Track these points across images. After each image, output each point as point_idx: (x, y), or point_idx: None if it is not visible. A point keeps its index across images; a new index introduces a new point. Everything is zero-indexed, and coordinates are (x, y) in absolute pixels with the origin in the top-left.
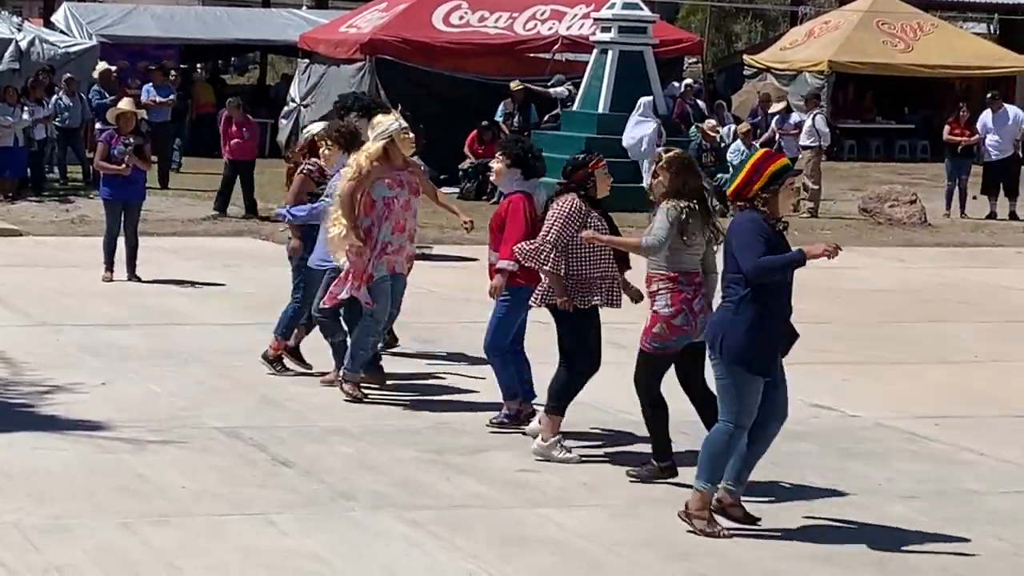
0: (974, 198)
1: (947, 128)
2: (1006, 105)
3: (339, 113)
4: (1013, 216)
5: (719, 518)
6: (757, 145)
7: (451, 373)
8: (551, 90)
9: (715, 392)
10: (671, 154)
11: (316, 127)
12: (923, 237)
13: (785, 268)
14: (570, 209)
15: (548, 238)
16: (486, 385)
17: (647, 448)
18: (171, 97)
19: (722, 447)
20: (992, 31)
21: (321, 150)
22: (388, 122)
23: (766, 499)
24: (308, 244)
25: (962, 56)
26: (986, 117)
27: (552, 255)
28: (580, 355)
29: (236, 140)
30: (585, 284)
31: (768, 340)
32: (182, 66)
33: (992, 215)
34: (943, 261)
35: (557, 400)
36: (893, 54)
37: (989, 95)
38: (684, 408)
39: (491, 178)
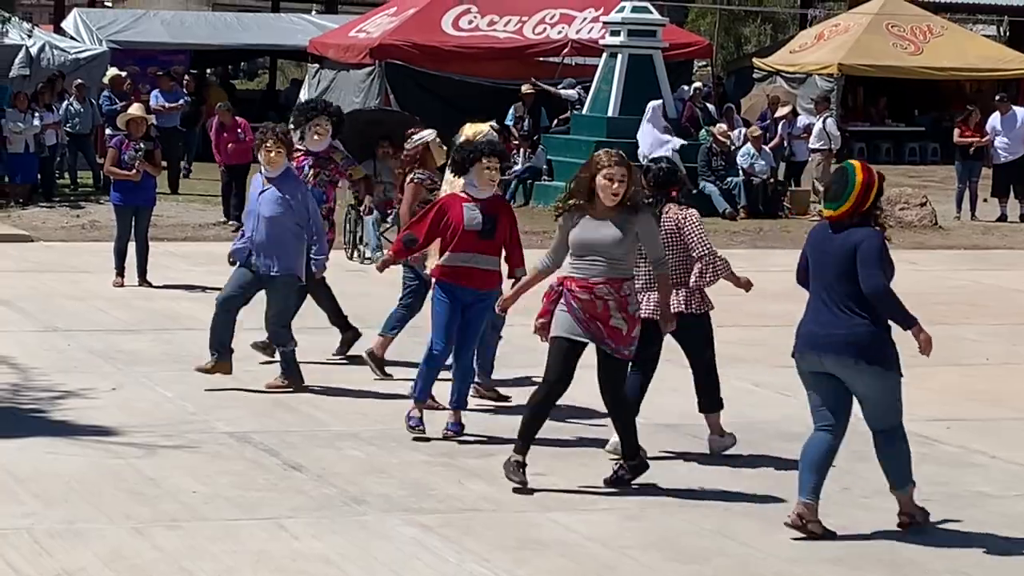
0: (984, 201)
1: (957, 131)
2: (1014, 107)
3: (307, 116)
4: (1023, 218)
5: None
6: (767, 149)
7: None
8: (562, 91)
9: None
10: (623, 156)
11: (428, 134)
12: (934, 240)
13: (899, 314)
14: (701, 221)
15: (714, 251)
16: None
17: (654, 451)
18: (180, 102)
19: (908, 449)
20: (1002, 33)
21: (269, 153)
22: (485, 131)
23: (776, 501)
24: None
25: (972, 58)
26: (995, 120)
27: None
28: (712, 351)
29: (232, 144)
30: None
31: None
32: (192, 71)
33: (1003, 217)
34: (954, 264)
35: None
36: (903, 57)
37: (997, 97)
38: (689, 411)
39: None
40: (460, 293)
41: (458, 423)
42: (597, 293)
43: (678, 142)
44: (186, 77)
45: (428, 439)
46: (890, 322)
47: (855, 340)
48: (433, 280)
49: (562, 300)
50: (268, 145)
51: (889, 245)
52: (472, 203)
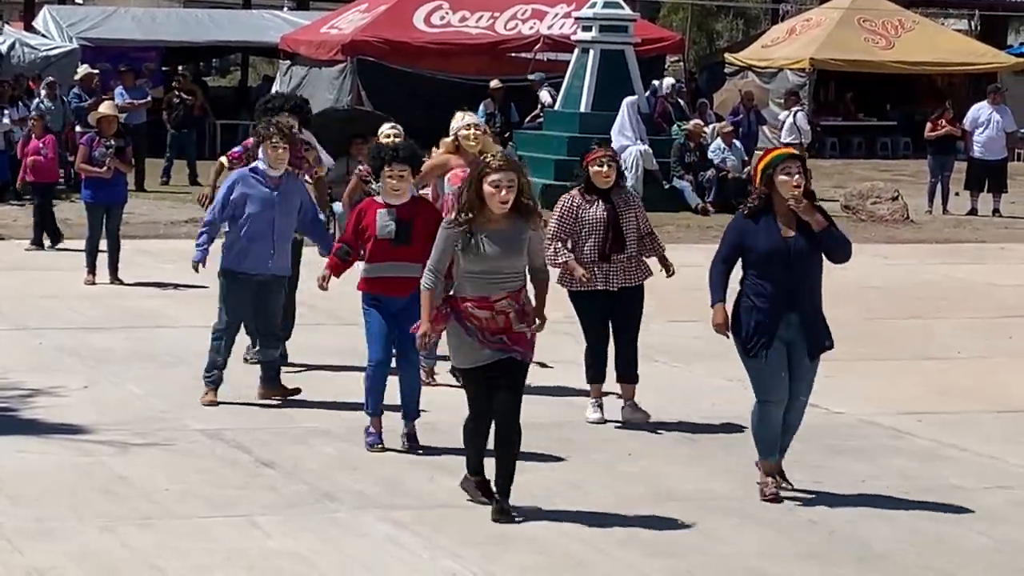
0: (956, 194)
1: (929, 125)
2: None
3: (267, 112)
4: (996, 212)
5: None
6: (738, 144)
7: (432, 374)
8: (539, 93)
9: None
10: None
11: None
12: (905, 234)
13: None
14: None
15: None
16: None
17: (631, 443)
18: (147, 100)
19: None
20: (973, 27)
21: (276, 150)
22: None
23: (749, 496)
24: None
25: (943, 53)
26: (978, 111)
27: None
28: None
29: (35, 158)
30: None
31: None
32: (181, 68)
33: (973, 211)
34: (925, 258)
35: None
36: (874, 51)
37: (994, 86)
38: (665, 406)
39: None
40: (386, 302)
41: (413, 436)
42: (498, 308)
43: (637, 150)
44: (179, 78)
45: (387, 450)
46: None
47: None
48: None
49: (452, 323)
50: (274, 141)
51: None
52: (386, 209)
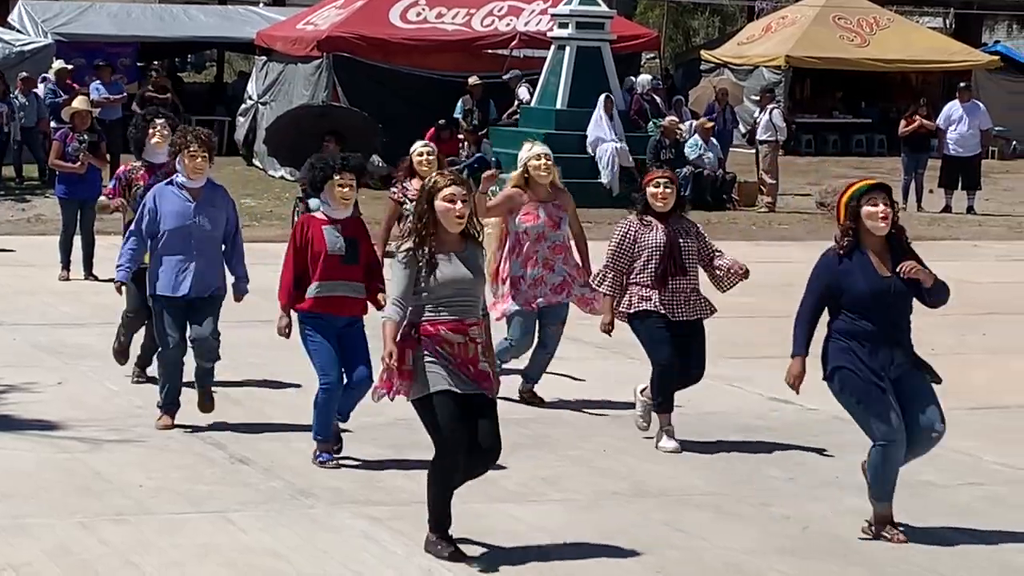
0: (931, 191)
1: (903, 123)
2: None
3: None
4: (970, 210)
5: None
6: (715, 141)
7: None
8: (518, 90)
9: None
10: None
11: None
12: None
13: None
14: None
15: None
16: None
17: (607, 439)
18: (123, 95)
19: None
20: (948, 25)
21: (195, 159)
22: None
23: (725, 492)
24: None
25: (918, 50)
26: (950, 109)
27: None
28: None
29: None
30: None
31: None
32: (156, 64)
33: (947, 209)
34: None
35: None
36: (850, 49)
37: (962, 84)
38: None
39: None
40: (331, 321)
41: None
42: (471, 335)
43: (613, 147)
44: (152, 73)
45: (345, 462)
46: None
47: None
48: (297, 315)
49: (422, 351)
50: (192, 150)
51: None
52: (331, 225)
